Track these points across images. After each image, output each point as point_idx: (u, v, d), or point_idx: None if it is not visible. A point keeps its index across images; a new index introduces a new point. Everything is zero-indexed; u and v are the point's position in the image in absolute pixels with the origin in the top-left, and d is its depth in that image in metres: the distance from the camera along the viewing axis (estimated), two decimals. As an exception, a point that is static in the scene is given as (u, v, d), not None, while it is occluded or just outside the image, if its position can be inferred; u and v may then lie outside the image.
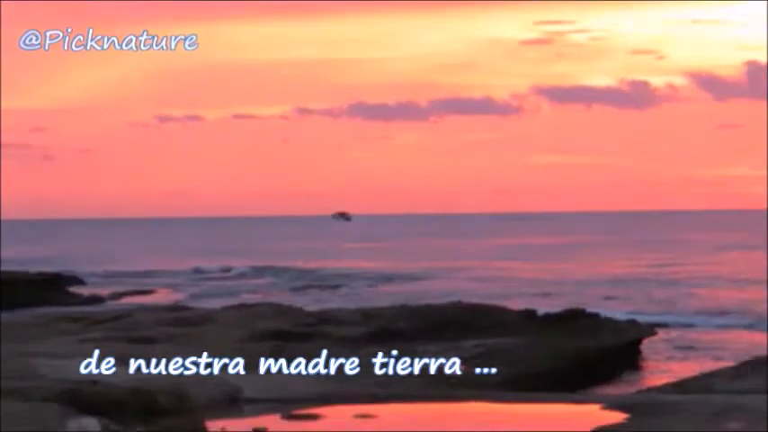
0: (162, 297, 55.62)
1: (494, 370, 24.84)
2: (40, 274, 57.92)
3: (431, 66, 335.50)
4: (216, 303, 42.04)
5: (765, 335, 35.49)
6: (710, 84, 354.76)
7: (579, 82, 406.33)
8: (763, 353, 26.23)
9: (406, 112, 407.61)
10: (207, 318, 33.74)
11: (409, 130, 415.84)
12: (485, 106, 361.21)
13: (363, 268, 77.79)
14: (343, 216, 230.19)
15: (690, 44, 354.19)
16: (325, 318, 33.45)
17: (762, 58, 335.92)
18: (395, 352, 26.62)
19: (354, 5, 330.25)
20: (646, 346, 32.82)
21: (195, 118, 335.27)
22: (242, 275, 77.12)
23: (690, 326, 42.47)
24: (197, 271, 79.47)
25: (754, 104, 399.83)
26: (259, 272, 78.42)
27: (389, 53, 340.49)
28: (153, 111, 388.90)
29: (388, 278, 71.48)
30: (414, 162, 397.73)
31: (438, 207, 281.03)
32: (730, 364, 25.12)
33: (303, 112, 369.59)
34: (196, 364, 22.71)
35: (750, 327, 43.04)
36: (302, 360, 25.02)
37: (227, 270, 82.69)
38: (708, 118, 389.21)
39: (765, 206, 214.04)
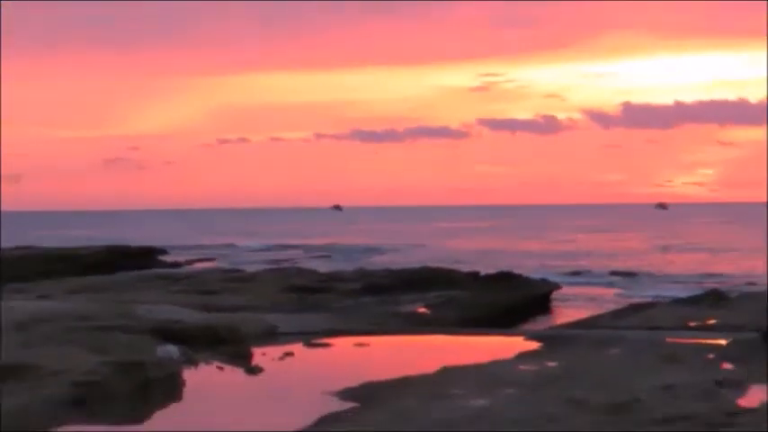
0: (220, 263, 56.68)
1: (449, 313, 25.63)
2: (140, 247, 60.11)
3: (406, 105, 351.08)
4: (258, 267, 42.31)
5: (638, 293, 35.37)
6: (598, 117, 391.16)
7: (508, 116, 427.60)
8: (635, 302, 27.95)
9: (389, 136, 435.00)
10: (252, 277, 35.50)
11: (391, 149, 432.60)
12: (443, 132, 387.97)
13: (357, 243, 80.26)
14: (338, 207, 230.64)
15: (584, 90, 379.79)
16: (332, 277, 35.26)
17: (633, 99, 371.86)
18: (381, 300, 27.84)
19: (352, 64, 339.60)
20: (554, 297, 35.18)
21: (244, 140, 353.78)
22: (276, 248, 77.54)
23: (586, 284, 42.32)
24: (246, 248, 78.83)
25: (628, 131, 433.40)
26: (286, 246, 79.45)
27: (377, 96, 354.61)
28: (215, 135, 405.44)
29: (374, 250, 73.80)
30: (393, 170, 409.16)
31: (410, 201, 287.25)
32: (611, 308, 27.04)
33: (319, 136, 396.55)
34: (245, 308, 23.58)
35: (629, 284, 42.11)
36: (317, 306, 26.14)
37: (267, 246, 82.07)
38: (596, 141, 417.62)
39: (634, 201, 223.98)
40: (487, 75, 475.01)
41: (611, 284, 42.96)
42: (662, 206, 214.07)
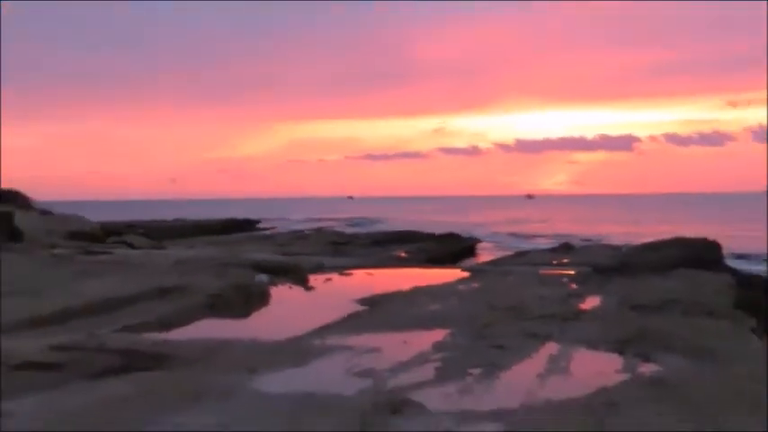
0: (282, 228, 55.33)
1: (419, 256, 25.71)
2: (243, 219, 57.82)
3: (393, 140, 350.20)
4: (309, 230, 42.22)
5: (523, 245, 35.06)
6: (502, 147, 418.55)
7: (454, 146, 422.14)
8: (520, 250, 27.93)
9: (382, 158, 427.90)
10: (306, 236, 35.79)
11: (384, 164, 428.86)
12: (415, 156, 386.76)
13: (366, 217, 79.38)
14: (351, 197, 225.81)
15: (495, 131, 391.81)
16: (353, 236, 36.56)
17: (522, 137, 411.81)
18: (381, 249, 27.81)
19: (367, 116, 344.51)
20: (479, 247, 35.13)
21: (303, 162, 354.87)
22: (314, 221, 75.72)
23: (497, 241, 41.80)
24: (296, 220, 76.90)
25: (519, 154, 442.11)
26: (326, 219, 78.00)
27: (380, 133, 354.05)
28: (285, 158, 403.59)
29: (376, 221, 72.64)
30: (387, 176, 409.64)
31: (398, 193, 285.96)
32: (508, 254, 26.25)
33: (347, 157, 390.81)
34: (303, 253, 23.41)
35: (518, 240, 41.99)
36: (345, 252, 26.15)
37: (311, 218, 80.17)
38: (501, 160, 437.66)
39: (514, 193, 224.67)
40: (442, 122, 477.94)
41: (508, 243, 42.00)
42: (530, 197, 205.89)
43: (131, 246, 24.91)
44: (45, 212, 28.58)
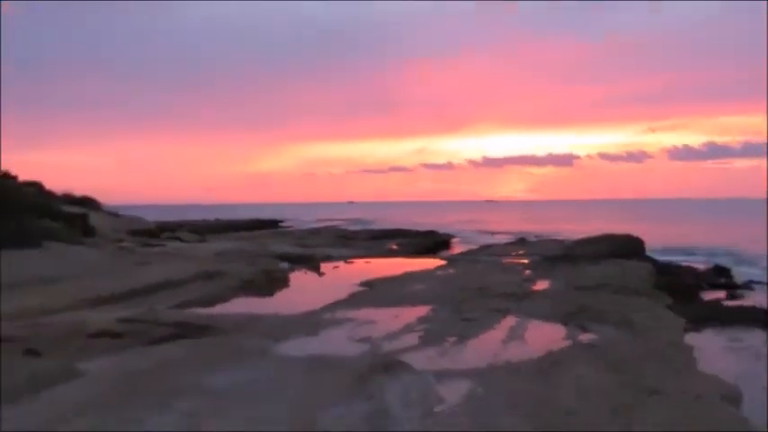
0: (299, 227, 52.01)
1: (407, 248, 25.02)
2: (269, 219, 53.67)
3: (385, 158, 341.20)
4: (321, 228, 41.11)
5: (486, 240, 33.64)
6: (472, 163, 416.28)
7: (434, 162, 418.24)
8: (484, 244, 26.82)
9: (376, 171, 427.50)
10: (318, 232, 34.97)
11: (378, 177, 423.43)
12: (403, 170, 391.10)
13: (365, 218, 76.67)
14: (352, 203, 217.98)
15: (465, 151, 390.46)
16: (356, 232, 34.49)
17: (487, 155, 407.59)
18: (377, 242, 27.26)
19: (364, 137, 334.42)
20: (452, 242, 32.86)
21: (314, 174, 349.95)
22: (325, 220, 72.81)
23: (467, 237, 40.41)
24: (310, 221, 73.34)
25: (483, 168, 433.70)
26: (332, 219, 74.54)
27: (376, 152, 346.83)
28: (299, 172, 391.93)
29: (372, 221, 69.12)
30: (380, 186, 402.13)
31: (391, 198, 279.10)
32: (475, 247, 25.15)
33: (348, 171, 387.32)
34: (317, 246, 22.40)
35: (482, 236, 38.56)
36: (349, 245, 25.20)
37: (320, 219, 76.79)
38: (471, 174, 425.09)
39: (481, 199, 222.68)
40: (424, 143, 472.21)
41: (475, 238, 39.72)
42: (492, 202, 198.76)
43: (181, 240, 24.78)
44: (112, 214, 28.48)
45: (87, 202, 27.34)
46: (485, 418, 4.22)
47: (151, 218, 34.57)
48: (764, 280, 15.10)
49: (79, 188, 38.38)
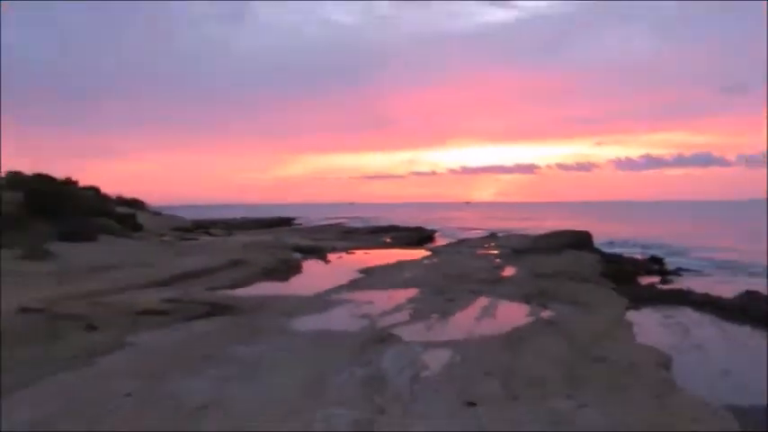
0: (308, 224, 49.19)
1: (400, 241, 24.48)
2: (283, 217, 46.67)
3: (381, 166, 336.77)
4: (326, 225, 40.26)
5: (463, 235, 33.03)
6: (451, 172, 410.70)
7: (421, 171, 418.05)
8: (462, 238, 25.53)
9: (374, 178, 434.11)
10: (325, 228, 33.52)
11: (375, 182, 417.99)
12: (396, 177, 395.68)
13: (365, 217, 74.60)
14: (353, 204, 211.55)
15: (446, 162, 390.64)
16: (357, 228, 33.47)
17: (467, 165, 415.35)
18: (375, 236, 26.91)
19: (365, 150, 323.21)
20: (436, 236, 31.50)
21: (322, 179, 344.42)
22: (331, 218, 70.46)
23: (448, 232, 39.61)
24: (316, 219, 69.65)
25: (464, 175, 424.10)
26: (336, 217, 72.29)
27: (372, 162, 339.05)
28: (309, 178, 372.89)
29: (371, 218, 67.26)
30: (376, 189, 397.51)
31: (388, 201, 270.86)
32: (454, 240, 24.55)
33: (350, 177, 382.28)
34: (324, 239, 21.41)
35: (459, 232, 36.66)
36: (351, 239, 24.45)
37: (326, 217, 73.66)
38: (450, 180, 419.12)
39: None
40: (413, 155, 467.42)
41: (454, 233, 38.55)
42: (468, 203, 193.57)
43: (212, 234, 24.57)
44: (155, 213, 28.48)
45: (135, 204, 27.29)
46: (462, 382, 4.21)
47: (188, 216, 34.14)
48: (691, 268, 15.20)
49: (129, 191, 38.01)
